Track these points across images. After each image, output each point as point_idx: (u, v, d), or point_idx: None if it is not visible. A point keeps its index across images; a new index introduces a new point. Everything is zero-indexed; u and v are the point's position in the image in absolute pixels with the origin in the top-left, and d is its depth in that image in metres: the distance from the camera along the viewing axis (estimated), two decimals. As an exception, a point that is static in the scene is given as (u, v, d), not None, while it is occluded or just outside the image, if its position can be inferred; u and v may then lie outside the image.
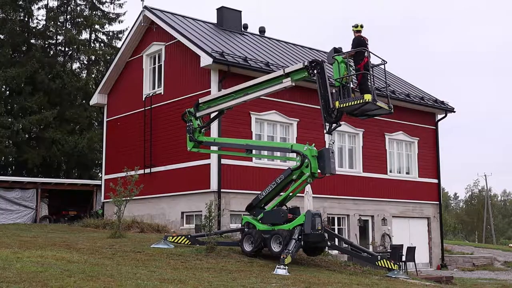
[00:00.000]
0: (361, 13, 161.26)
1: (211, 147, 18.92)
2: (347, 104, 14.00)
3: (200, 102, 16.66)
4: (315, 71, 14.34)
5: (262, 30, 29.04)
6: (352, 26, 14.89)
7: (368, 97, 13.77)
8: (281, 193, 15.75)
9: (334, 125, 14.38)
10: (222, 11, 27.10)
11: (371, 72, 14.61)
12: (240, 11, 27.80)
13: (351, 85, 14.48)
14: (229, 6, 27.57)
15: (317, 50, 30.05)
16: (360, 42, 14.57)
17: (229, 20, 26.99)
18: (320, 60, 14.71)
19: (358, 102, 13.93)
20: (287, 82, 14.82)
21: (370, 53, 14.49)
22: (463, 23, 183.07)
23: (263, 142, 20.40)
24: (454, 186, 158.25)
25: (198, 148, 16.89)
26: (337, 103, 14.04)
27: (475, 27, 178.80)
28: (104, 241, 16.22)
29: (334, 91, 14.30)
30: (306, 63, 14.54)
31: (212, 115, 17.42)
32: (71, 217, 29.15)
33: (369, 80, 14.57)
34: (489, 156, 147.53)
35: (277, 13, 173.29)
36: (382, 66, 15.42)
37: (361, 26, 14.84)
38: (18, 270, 10.00)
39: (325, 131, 14.60)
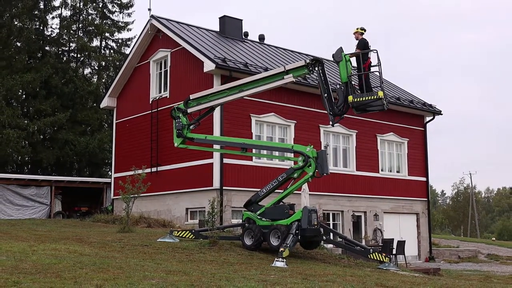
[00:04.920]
0: (355, 22, 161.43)
1: (214, 146, 18.86)
2: (361, 99, 14.03)
3: (191, 98, 15.85)
4: (316, 68, 14.42)
5: (261, 38, 29.03)
6: (358, 28, 14.87)
7: (381, 94, 13.89)
8: (279, 191, 15.71)
9: (339, 117, 14.38)
10: (224, 20, 27.11)
11: (379, 70, 14.56)
12: (241, 20, 27.82)
13: (353, 83, 14.53)
14: (231, 15, 27.64)
15: (312, 56, 30.03)
16: (366, 44, 14.67)
17: (231, 28, 27.00)
18: (320, 58, 14.77)
19: (371, 97, 13.95)
20: (289, 78, 14.68)
21: (377, 55, 14.39)
22: (449, 30, 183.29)
23: (262, 142, 20.20)
24: (441, 184, 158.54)
25: (186, 145, 16.15)
26: (350, 98, 14.05)
27: (460, 34, 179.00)
28: (114, 235, 16.20)
29: (338, 87, 14.39)
30: (308, 61, 14.58)
31: (204, 112, 16.35)
32: (82, 213, 29.11)
33: (370, 79, 14.65)
34: (474, 155, 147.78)
35: (276, 21, 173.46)
36: (377, 67, 15.40)
37: (365, 30, 14.93)
38: (34, 262, 10.01)
39: (330, 123, 14.53)
